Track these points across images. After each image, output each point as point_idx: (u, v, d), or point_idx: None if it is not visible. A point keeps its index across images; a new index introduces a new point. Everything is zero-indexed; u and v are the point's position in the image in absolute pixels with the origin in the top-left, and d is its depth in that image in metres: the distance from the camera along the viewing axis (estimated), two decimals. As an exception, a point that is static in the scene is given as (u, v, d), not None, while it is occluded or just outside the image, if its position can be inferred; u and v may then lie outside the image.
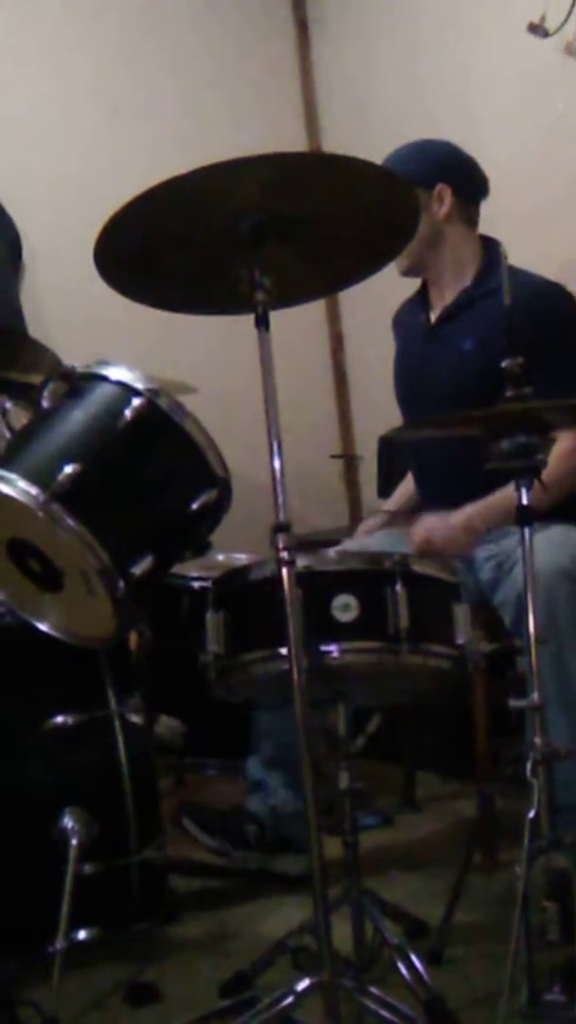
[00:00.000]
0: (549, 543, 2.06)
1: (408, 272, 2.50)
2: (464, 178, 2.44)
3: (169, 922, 2.13)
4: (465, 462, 1.80)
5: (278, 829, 2.33)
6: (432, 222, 2.40)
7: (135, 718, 2.00)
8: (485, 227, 2.50)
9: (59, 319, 3.47)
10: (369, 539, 2.57)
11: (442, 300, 2.50)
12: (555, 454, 2.25)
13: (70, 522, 1.72)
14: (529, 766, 1.68)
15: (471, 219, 2.46)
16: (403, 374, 2.61)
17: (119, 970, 1.96)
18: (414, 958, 1.74)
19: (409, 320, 2.62)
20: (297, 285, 1.82)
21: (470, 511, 2.26)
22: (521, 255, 2.32)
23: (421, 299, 2.58)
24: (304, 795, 1.54)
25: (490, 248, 2.45)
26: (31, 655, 2.02)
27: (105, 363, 1.89)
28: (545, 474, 1.99)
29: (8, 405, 2.28)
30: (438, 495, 2.45)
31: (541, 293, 2.32)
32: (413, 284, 2.60)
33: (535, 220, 2.52)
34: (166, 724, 2.16)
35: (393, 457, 3.04)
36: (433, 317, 2.52)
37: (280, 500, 1.60)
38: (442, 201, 2.41)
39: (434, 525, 2.27)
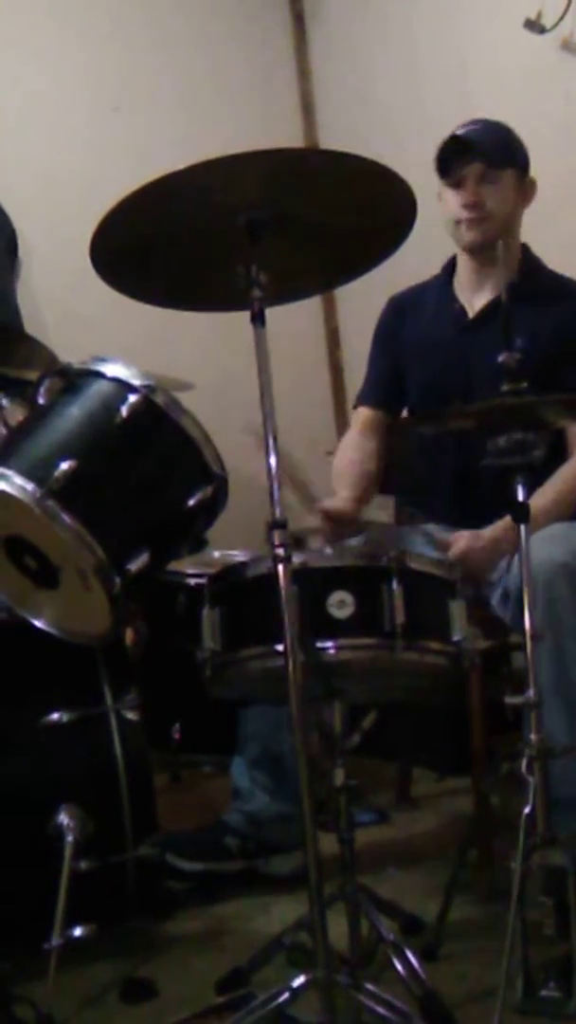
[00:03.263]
0: (547, 538, 2.05)
1: (477, 246, 2.35)
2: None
3: (165, 919, 2.13)
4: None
5: (258, 836, 2.31)
6: (517, 206, 2.37)
7: (131, 715, 2.00)
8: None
9: (55, 316, 3.47)
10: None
11: (481, 291, 2.40)
12: (567, 474, 2.24)
13: (66, 519, 1.72)
14: (525, 763, 1.68)
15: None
16: (432, 363, 2.46)
17: (115, 967, 1.96)
18: (409, 954, 1.74)
19: (432, 306, 2.50)
20: (294, 281, 1.82)
21: (499, 534, 2.14)
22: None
23: (445, 285, 2.48)
24: (300, 791, 1.53)
25: (526, 249, 2.43)
26: (27, 652, 2.01)
27: (101, 359, 1.88)
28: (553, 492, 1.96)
29: (4, 402, 2.28)
30: (478, 508, 2.28)
31: None
32: (410, 278, 2.58)
33: (533, 216, 2.51)
34: None
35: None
36: (469, 308, 2.43)
37: (276, 497, 1.60)
38: (527, 192, 2.38)
39: (472, 545, 2.14)
